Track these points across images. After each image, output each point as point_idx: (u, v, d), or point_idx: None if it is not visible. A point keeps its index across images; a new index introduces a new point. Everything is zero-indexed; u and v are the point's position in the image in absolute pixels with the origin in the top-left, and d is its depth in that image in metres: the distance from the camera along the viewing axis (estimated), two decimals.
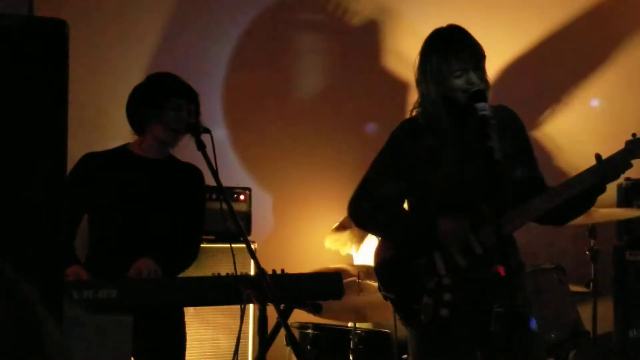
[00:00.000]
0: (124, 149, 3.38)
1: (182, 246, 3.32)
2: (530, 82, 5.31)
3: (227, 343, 4.24)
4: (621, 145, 2.78)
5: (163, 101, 3.26)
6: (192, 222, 3.37)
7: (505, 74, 5.16)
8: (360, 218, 3.00)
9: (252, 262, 4.25)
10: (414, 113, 2.94)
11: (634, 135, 2.79)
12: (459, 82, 2.77)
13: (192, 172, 3.39)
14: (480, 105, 2.69)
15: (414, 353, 2.94)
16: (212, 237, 4.29)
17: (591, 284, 4.37)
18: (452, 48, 2.78)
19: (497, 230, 2.61)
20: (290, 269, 2.87)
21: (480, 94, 2.73)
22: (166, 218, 3.27)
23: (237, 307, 3.50)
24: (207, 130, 2.92)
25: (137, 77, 4.79)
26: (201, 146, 2.86)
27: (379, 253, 3.01)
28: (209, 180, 3.15)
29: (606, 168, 2.75)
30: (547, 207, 2.79)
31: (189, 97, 3.32)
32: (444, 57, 2.78)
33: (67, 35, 1.86)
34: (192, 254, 3.39)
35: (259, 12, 5.13)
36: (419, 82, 2.89)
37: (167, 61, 4.88)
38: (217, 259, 4.19)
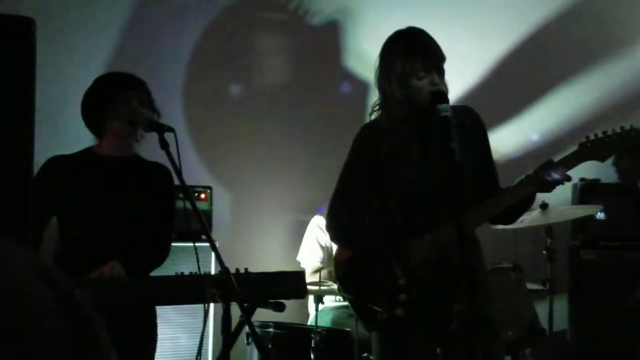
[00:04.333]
0: (88, 151, 3.36)
1: (153, 246, 3.29)
2: (487, 81, 5.38)
3: (187, 342, 4.23)
4: None
5: (110, 96, 3.26)
6: (162, 221, 3.34)
7: (464, 74, 5.22)
8: (335, 234, 3.05)
9: (212, 260, 4.30)
10: (373, 116, 2.97)
11: (587, 137, 2.83)
12: (422, 83, 2.80)
13: (160, 171, 3.36)
14: (443, 106, 2.72)
15: (376, 352, 2.97)
16: (173, 236, 4.27)
17: (547, 283, 4.44)
18: (417, 49, 2.81)
19: (459, 230, 2.64)
20: (250, 268, 2.87)
21: (443, 96, 2.76)
22: (135, 218, 3.24)
23: (198, 306, 3.49)
24: (171, 129, 2.90)
25: (92, 76, 4.77)
26: (164, 145, 2.84)
27: (339, 253, 3.05)
28: (175, 180, 3.14)
29: (541, 181, 2.79)
30: (499, 209, 2.84)
31: (134, 86, 3.30)
32: (408, 58, 2.81)
33: (35, 33, 1.85)
34: (163, 254, 3.35)
35: (220, 10, 5.12)
36: (381, 82, 2.90)
37: (125, 59, 4.84)
38: (178, 257, 4.17)
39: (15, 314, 0.52)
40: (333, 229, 3.03)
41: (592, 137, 2.82)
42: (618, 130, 2.81)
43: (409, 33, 2.90)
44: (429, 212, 2.87)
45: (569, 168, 2.80)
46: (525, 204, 2.91)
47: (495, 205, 2.84)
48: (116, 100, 3.26)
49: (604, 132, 2.82)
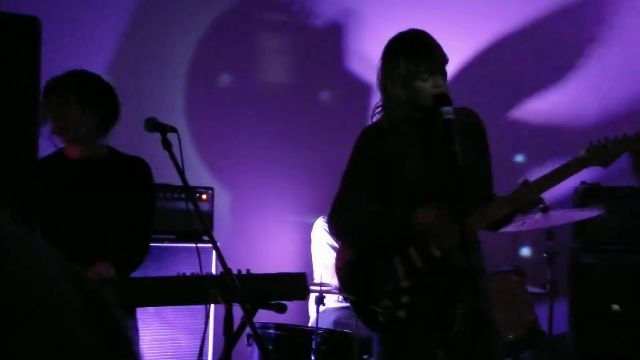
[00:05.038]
0: (59, 153, 3.27)
1: (133, 242, 3.24)
2: (484, 87, 5.38)
3: (187, 343, 4.22)
4: None
5: (39, 109, 3.13)
6: (139, 215, 3.25)
7: (460, 78, 5.22)
8: (338, 234, 3.07)
9: (213, 261, 4.30)
10: (375, 118, 2.98)
11: (590, 142, 2.85)
12: (426, 85, 2.81)
13: (135, 166, 3.27)
14: (446, 109, 2.72)
15: (377, 354, 2.97)
16: (173, 237, 4.28)
17: (548, 286, 4.45)
18: (421, 51, 2.82)
19: (461, 233, 2.64)
20: (251, 269, 2.87)
21: (446, 98, 2.76)
22: (109, 218, 3.17)
23: (197, 307, 3.48)
24: (174, 130, 2.90)
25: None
26: (167, 145, 2.84)
27: (340, 255, 3.05)
28: (175, 180, 3.13)
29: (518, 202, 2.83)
30: (499, 215, 2.86)
31: (54, 92, 3.12)
32: (412, 60, 2.81)
33: (39, 32, 1.85)
34: (143, 248, 3.26)
35: (223, 11, 5.12)
36: (384, 84, 2.91)
37: (129, 60, 4.85)
38: (179, 258, 4.18)
39: (46, 316, 0.52)
40: (336, 230, 3.04)
41: (595, 142, 2.83)
42: (621, 136, 2.82)
43: (413, 35, 2.91)
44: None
45: (569, 176, 2.82)
46: (508, 219, 2.97)
47: (496, 212, 2.85)
48: (43, 111, 3.09)
49: (607, 138, 2.82)
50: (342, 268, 3.02)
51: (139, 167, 3.27)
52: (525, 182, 2.84)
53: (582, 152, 2.85)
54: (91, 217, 3.15)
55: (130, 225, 3.20)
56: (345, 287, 3.01)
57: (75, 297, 0.55)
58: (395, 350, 2.91)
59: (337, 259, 3.06)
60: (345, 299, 3.02)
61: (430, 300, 2.84)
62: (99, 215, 3.16)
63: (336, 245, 4.59)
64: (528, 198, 2.82)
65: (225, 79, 5.15)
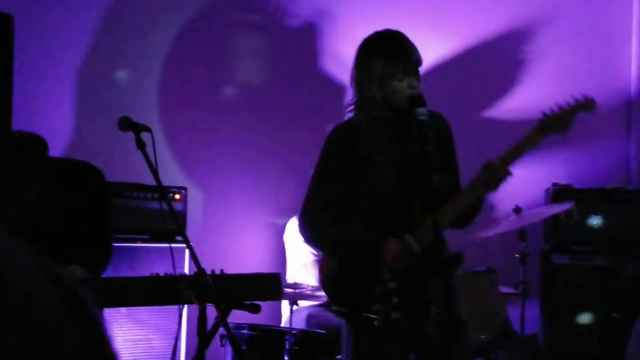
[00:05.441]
0: None
1: (90, 255, 3.06)
2: (457, 88, 5.41)
3: (160, 343, 4.20)
4: None
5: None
6: (94, 227, 3.11)
7: (432, 78, 5.25)
8: (309, 237, 3.02)
9: (186, 261, 4.28)
10: (347, 116, 2.98)
11: (544, 113, 2.91)
12: (401, 85, 2.83)
13: (85, 173, 3.15)
14: (421, 110, 2.74)
15: (352, 354, 2.95)
16: (146, 237, 4.26)
17: (520, 286, 4.49)
18: (398, 52, 2.84)
19: (435, 232, 2.66)
20: (224, 269, 2.86)
21: (421, 99, 2.78)
22: (64, 228, 3.03)
23: (171, 307, 3.46)
24: (148, 129, 2.88)
25: (69, 75, 4.74)
26: (141, 145, 2.82)
27: (324, 269, 3.02)
28: (148, 179, 3.10)
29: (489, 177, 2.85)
30: (460, 208, 2.89)
31: None
32: (390, 60, 2.83)
33: (12, 29, 1.83)
34: (102, 261, 3.12)
35: (198, 10, 5.10)
36: (359, 83, 2.91)
37: (101, 59, 4.82)
38: (152, 258, 4.16)
39: (27, 316, 0.52)
40: (308, 232, 2.99)
41: (549, 111, 2.91)
42: (571, 101, 2.92)
43: (390, 35, 2.92)
44: (406, 214, 2.88)
45: (531, 147, 2.88)
46: (476, 208, 2.97)
47: (467, 195, 2.88)
48: None
49: (558, 105, 2.91)
50: (325, 279, 2.99)
51: (89, 174, 3.14)
52: (490, 163, 2.86)
53: (539, 123, 2.91)
54: (43, 228, 2.98)
55: (86, 234, 3.07)
56: (334, 298, 2.97)
57: (55, 297, 0.55)
58: (372, 350, 2.90)
59: (320, 271, 3.04)
60: (337, 313, 2.98)
61: (420, 298, 2.85)
62: (52, 225, 3.01)
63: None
64: (496, 177, 2.84)
65: (199, 79, 5.12)
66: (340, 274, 2.93)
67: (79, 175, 3.13)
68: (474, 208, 2.97)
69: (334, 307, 2.95)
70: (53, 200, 3.05)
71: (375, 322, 2.81)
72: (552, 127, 2.89)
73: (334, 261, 2.97)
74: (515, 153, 2.87)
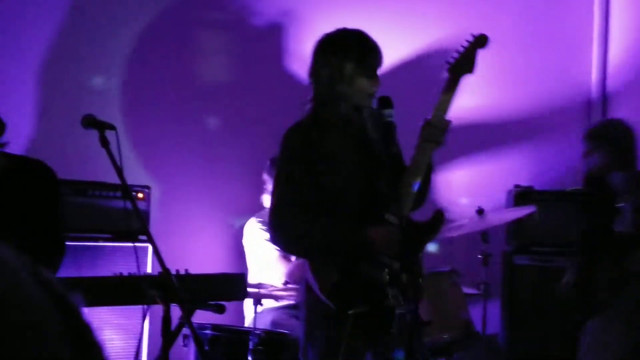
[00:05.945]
0: None
1: (41, 251, 2.93)
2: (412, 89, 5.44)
3: (122, 344, 4.16)
4: None
5: None
6: (45, 224, 3.01)
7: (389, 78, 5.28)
8: (285, 245, 2.97)
9: (149, 261, 4.25)
10: (304, 111, 2.97)
11: (448, 62, 3.04)
12: (368, 84, 2.84)
13: (34, 170, 3.04)
14: (388, 111, 2.76)
15: (320, 352, 2.92)
16: (109, 236, 4.21)
17: (482, 286, 4.53)
18: (366, 51, 2.86)
19: (403, 230, 2.68)
20: (187, 269, 2.84)
21: (389, 101, 2.80)
22: (12, 225, 2.92)
23: (133, 307, 3.43)
24: (112, 127, 2.85)
25: (32, 74, 4.68)
26: (105, 143, 2.79)
27: (320, 283, 2.88)
28: (111, 178, 3.06)
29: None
30: (417, 175, 2.92)
31: None
32: (364, 59, 2.84)
33: None
34: (55, 258, 3.00)
35: (162, 8, 5.06)
36: (329, 79, 2.90)
37: (63, 56, 4.76)
38: (115, 257, 4.12)
39: (16, 320, 0.51)
40: (286, 240, 2.90)
41: (451, 58, 3.03)
42: (466, 42, 3.05)
43: (360, 34, 2.94)
44: (374, 211, 2.88)
45: (454, 92, 2.99)
46: (429, 171, 3.01)
47: (420, 160, 2.92)
48: None
49: (457, 50, 3.05)
50: (331, 291, 2.85)
51: (38, 172, 3.04)
52: (427, 120, 2.94)
53: (449, 69, 3.03)
54: None
55: (35, 233, 2.95)
56: (350, 304, 2.82)
57: (44, 299, 0.55)
58: (325, 355, 2.88)
59: (319, 285, 2.88)
60: (354, 318, 2.88)
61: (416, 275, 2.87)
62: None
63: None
64: (437, 130, 2.92)
65: (162, 78, 5.08)
66: (344, 280, 2.85)
67: (27, 172, 3.02)
68: (429, 172, 3.00)
69: (352, 311, 2.77)
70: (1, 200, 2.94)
71: (396, 306, 2.79)
72: (462, 68, 3.01)
73: (331, 271, 2.86)
74: (444, 102, 2.98)
